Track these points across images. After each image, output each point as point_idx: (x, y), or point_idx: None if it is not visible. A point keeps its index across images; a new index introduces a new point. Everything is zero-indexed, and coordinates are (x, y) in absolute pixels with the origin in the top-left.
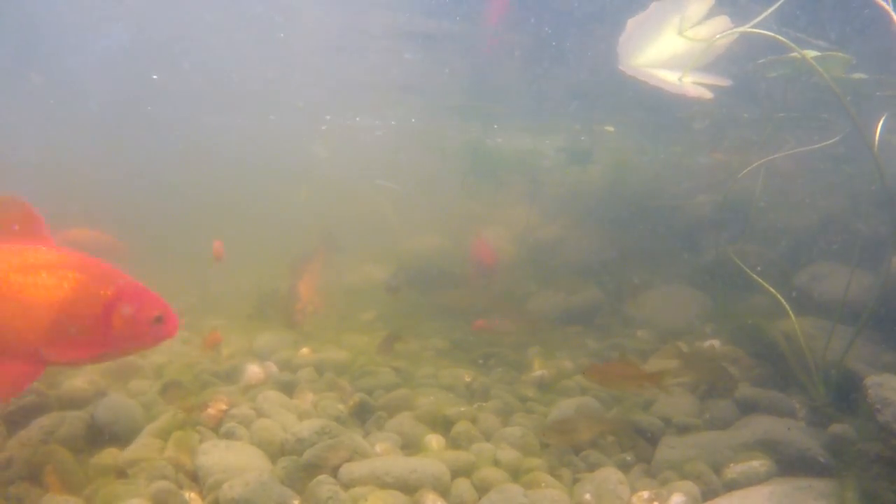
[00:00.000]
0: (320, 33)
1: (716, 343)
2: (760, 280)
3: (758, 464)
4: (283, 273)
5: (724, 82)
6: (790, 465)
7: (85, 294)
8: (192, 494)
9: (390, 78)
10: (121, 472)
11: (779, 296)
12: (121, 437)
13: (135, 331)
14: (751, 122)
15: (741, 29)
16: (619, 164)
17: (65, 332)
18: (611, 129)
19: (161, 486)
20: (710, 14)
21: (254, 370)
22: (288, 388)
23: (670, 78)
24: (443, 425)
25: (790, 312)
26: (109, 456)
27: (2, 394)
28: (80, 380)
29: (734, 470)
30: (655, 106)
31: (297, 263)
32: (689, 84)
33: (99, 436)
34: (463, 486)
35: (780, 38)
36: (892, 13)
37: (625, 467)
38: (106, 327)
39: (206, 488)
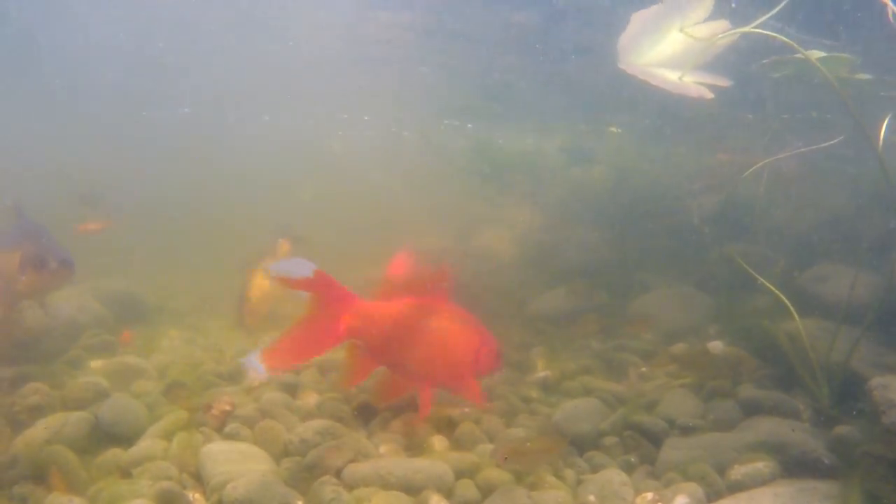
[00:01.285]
0: (328, 34)
1: (719, 344)
2: (764, 281)
3: (762, 465)
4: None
5: (725, 82)
6: (794, 466)
7: (466, 341)
8: (196, 495)
9: (395, 78)
10: (125, 473)
11: (783, 297)
12: (125, 438)
13: (488, 365)
14: (755, 123)
15: (744, 29)
16: (622, 164)
17: (455, 368)
18: (615, 129)
19: (165, 486)
20: (711, 17)
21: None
22: (291, 389)
23: (671, 77)
24: (446, 426)
25: (794, 313)
26: (113, 456)
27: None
28: (83, 380)
29: (738, 471)
30: (659, 106)
31: (249, 261)
32: (690, 83)
33: (103, 436)
34: (467, 487)
35: (783, 38)
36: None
37: (629, 468)
38: (474, 364)
39: (209, 489)
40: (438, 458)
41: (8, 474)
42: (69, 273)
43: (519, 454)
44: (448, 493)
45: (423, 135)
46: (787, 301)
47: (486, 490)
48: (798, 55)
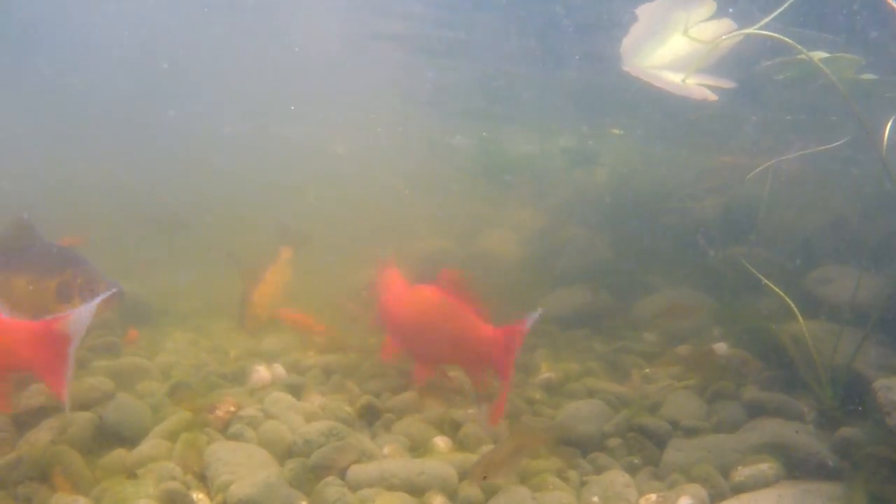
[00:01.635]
0: (331, 36)
1: (723, 346)
2: (768, 282)
3: (766, 467)
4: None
5: (729, 84)
6: (798, 468)
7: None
8: (201, 495)
9: (399, 82)
10: (129, 473)
11: (787, 298)
12: (129, 439)
13: None
14: (758, 125)
15: (747, 31)
16: (624, 166)
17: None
18: (617, 131)
19: (169, 486)
20: (714, 16)
21: (261, 372)
22: (295, 390)
23: (674, 79)
24: (450, 427)
25: (798, 315)
26: (118, 457)
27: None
28: (88, 381)
29: (742, 473)
30: (662, 108)
31: (251, 265)
32: (693, 85)
33: (107, 437)
34: (471, 489)
35: (786, 39)
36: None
37: (632, 470)
38: None
39: (213, 489)
40: (442, 460)
41: (12, 474)
42: (119, 302)
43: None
44: (452, 494)
45: (428, 138)
46: (791, 303)
47: (490, 491)
48: (801, 56)
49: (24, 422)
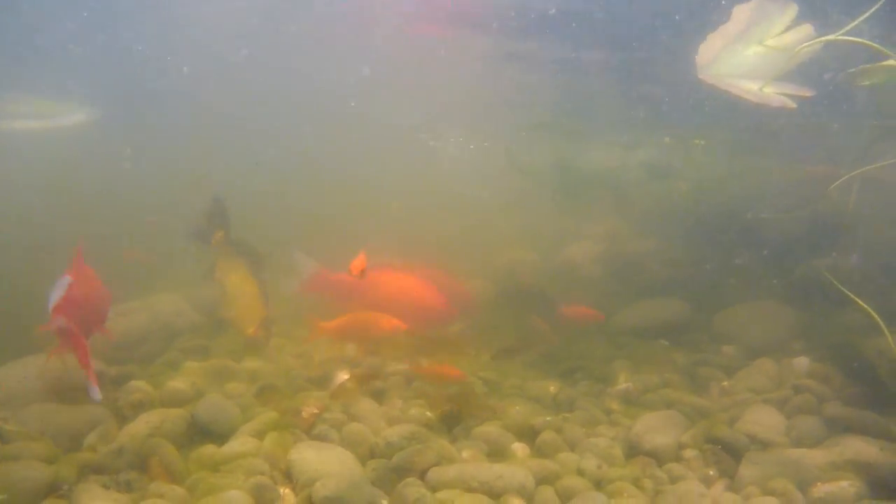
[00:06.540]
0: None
1: (805, 360)
2: (853, 296)
3: (847, 484)
4: None
5: (807, 92)
6: (883, 488)
7: None
8: (286, 490)
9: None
10: (219, 467)
11: (873, 312)
12: (219, 435)
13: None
14: (844, 133)
15: (829, 38)
16: (705, 177)
17: None
18: (699, 141)
19: (258, 480)
20: (794, 23)
21: (345, 377)
22: (378, 395)
23: (751, 87)
24: (528, 434)
25: (885, 330)
26: (209, 451)
27: None
28: (180, 381)
29: (821, 489)
30: (743, 118)
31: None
32: (771, 93)
33: (198, 432)
34: (547, 494)
35: (873, 44)
36: None
37: (708, 482)
38: None
39: (298, 486)
40: (520, 465)
41: (115, 462)
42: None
43: None
44: (528, 498)
45: (508, 149)
46: (876, 316)
47: (566, 497)
48: (890, 61)
49: (125, 416)
